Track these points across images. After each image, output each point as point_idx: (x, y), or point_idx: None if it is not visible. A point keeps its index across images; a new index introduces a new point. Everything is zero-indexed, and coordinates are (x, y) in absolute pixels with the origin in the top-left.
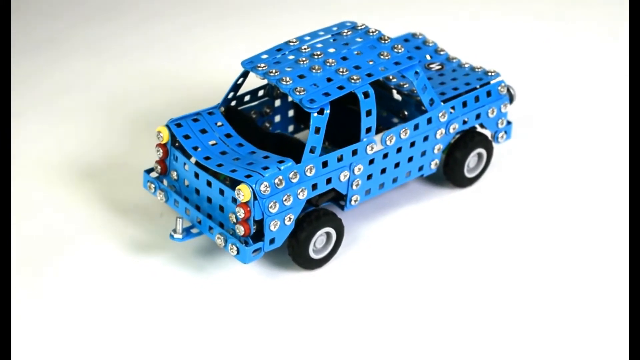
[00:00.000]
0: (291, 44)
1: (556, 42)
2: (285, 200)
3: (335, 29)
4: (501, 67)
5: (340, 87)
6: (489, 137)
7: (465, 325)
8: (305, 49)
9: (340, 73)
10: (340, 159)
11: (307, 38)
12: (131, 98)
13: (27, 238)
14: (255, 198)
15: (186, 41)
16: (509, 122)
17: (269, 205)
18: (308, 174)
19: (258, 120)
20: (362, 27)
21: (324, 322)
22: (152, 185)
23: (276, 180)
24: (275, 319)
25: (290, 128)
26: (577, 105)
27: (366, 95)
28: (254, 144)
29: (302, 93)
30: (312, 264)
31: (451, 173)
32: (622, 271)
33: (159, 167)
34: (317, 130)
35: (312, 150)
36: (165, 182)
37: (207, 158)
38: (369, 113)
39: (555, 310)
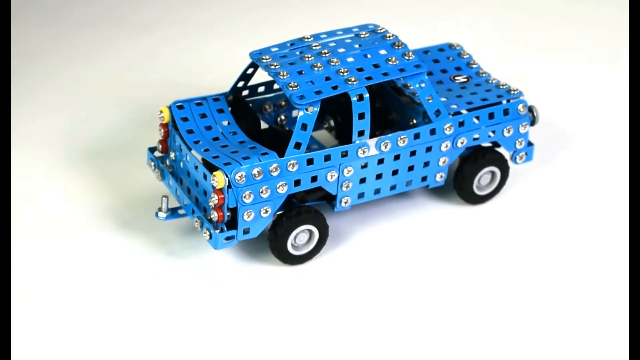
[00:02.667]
0: (305, 40)
1: (604, 76)
2: (262, 192)
3: (355, 29)
4: (536, 87)
5: (335, 87)
6: (506, 157)
7: (442, 341)
8: (315, 46)
9: (340, 73)
10: (327, 159)
11: (323, 36)
12: (145, 87)
13: (26, 223)
14: (229, 186)
15: (211, 33)
16: (530, 144)
17: (243, 195)
18: (290, 169)
19: (273, 113)
20: (382, 30)
21: (288, 317)
22: (153, 163)
23: (254, 171)
24: (239, 309)
25: None
26: (612, 135)
27: (360, 98)
28: (252, 135)
29: (294, 88)
30: (292, 260)
31: (460, 188)
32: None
33: (160, 147)
34: (304, 127)
35: (297, 146)
36: (167, 162)
37: (197, 142)
38: (361, 116)
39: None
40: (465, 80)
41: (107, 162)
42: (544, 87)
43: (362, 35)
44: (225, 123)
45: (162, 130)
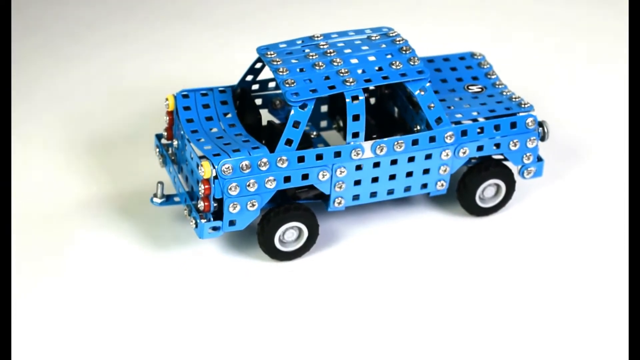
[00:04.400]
0: (315, 38)
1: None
2: (249, 185)
3: (368, 31)
4: (561, 103)
5: (331, 87)
6: (512, 171)
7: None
8: (323, 45)
9: (340, 74)
10: (319, 158)
11: (334, 36)
12: (158, 79)
13: (24, 216)
14: (216, 177)
15: (235, 28)
16: (540, 159)
17: (229, 187)
18: (280, 165)
19: (284, 110)
20: (394, 34)
21: (267, 311)
22: (157, 150)
23: (242, 164)
24: (220, 301)
25: (323, 124)
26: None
27: (355, 99)
28: (254, 130)
29: (290, 85)
30: (279, 256)
31: (462, 199)
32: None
33: (166, 134)
34: (296, 125)
35: (288, 143)
36: (171, 149)
37: (194, 131)
38: (356, 117)
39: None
40: (479, 90)
41: (109, 152)
42: (569, 103)
43: (373, 38)
44: (227, 115)
45: (168, 118)
